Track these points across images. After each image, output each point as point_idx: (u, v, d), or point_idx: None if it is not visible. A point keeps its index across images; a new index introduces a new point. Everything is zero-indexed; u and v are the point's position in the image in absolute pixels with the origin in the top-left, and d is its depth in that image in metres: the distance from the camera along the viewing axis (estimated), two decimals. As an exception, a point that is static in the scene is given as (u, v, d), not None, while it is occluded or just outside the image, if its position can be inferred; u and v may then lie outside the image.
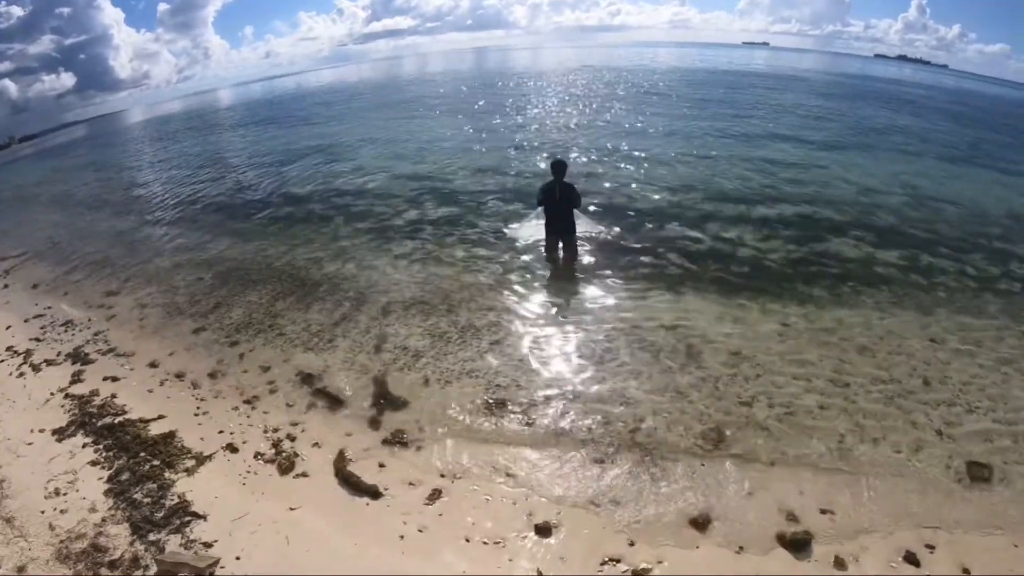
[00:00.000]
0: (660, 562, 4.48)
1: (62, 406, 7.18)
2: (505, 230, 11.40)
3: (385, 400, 6.66)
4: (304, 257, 11.35)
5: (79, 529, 5.05)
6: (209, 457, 5.97)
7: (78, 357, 8.46)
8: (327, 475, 5.62)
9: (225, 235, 13.54)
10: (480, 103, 33.47)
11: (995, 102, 49.65)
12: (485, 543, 4.73)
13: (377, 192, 15.41)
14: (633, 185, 14.17)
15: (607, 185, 14.17)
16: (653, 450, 5.69)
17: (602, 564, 4.49)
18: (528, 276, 9.57)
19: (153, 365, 8.04)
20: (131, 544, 4.86)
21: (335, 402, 6.78)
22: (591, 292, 8.98)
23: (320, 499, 5.32)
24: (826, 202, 12.85)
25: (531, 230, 10.63)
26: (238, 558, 4.66)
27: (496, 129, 23.41)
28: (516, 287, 9.21)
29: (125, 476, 5.70)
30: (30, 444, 6.40)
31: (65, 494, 5.52)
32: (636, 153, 17.66)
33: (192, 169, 23.52)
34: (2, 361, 8.69)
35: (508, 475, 5.50)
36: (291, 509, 5.19)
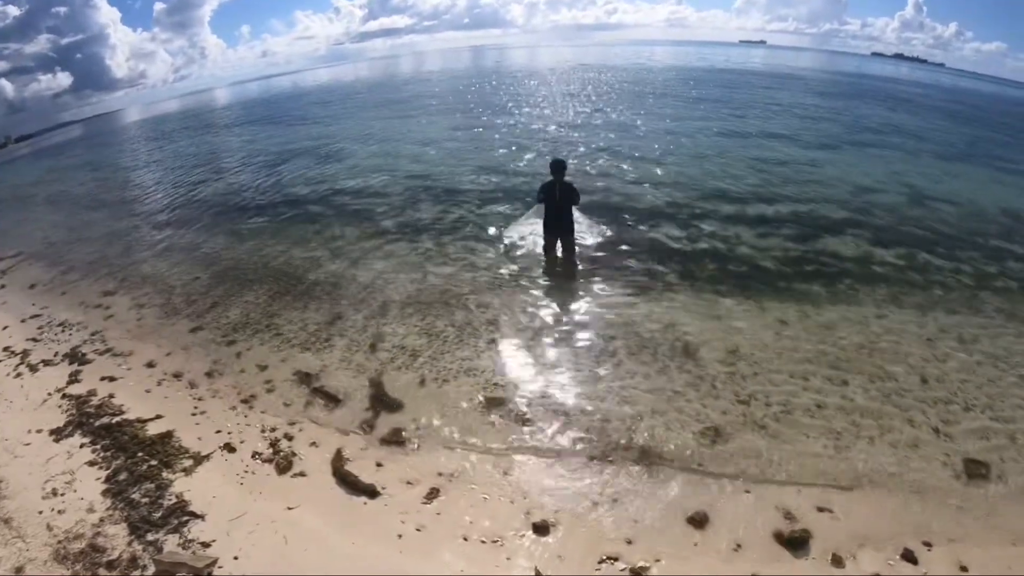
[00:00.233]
0: (658, 560, 4.49)
1: (59, 406, 7.16)
2: (502, 229, 11.40)
3: (382, 399, 6.65)
4: (301, 256, 11.34)
5: (77, 529, 5.04)
6: (207, 457, 5.97)
7: (75, 357, 8.44)
8: (325, 474, 5.61)
9: (222, 235, 13.52)
10: (477, 102, 33.46)
11: (992, 100, 49.81)
12: (483, 542, 4.73)
13: (374, 191, 15.39)
14: (630, 184, 14.19)
15: (604, 184, 14.18)
16: (651, 449, 5.70)
17: (600, 562, 4.50)
18: (526, 275, 9.57)
19: (150, 365, 8.02)
20: (129, 544, 4.85)
21: (333, 401, 6.78)
22: (589, 291, 8.98)
23: (318, 498, 5.31)
24: (823, 200, 12.87)
25: (529, 229, 10.62)
26: (236, 558, 4.65)
27: (493, 128, 23.39)
28: (514, 286, 9.21)
29: (123, 476, 5.69)
30: (28, 444, 6.39)
31: (63, 494, 5.51)
32: (633, 152, 17.68)
33: (188, 169, 23.47)
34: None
35: (506, 474, 5.50)
36: (289, 508, 5.18)
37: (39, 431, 6.62)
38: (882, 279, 9.11)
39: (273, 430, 6.34)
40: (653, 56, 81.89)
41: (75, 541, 4.90)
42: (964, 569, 4.37)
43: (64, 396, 7.40)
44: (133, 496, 5.40)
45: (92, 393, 7.38)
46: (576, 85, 40.90)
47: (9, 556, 4.79)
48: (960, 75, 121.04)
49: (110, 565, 4.65)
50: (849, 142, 19.78)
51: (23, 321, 10.06)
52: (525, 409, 6.34)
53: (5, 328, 9.82)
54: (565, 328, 7.98)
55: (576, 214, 9.86)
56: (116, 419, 6.70)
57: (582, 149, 18.43)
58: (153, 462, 5.87)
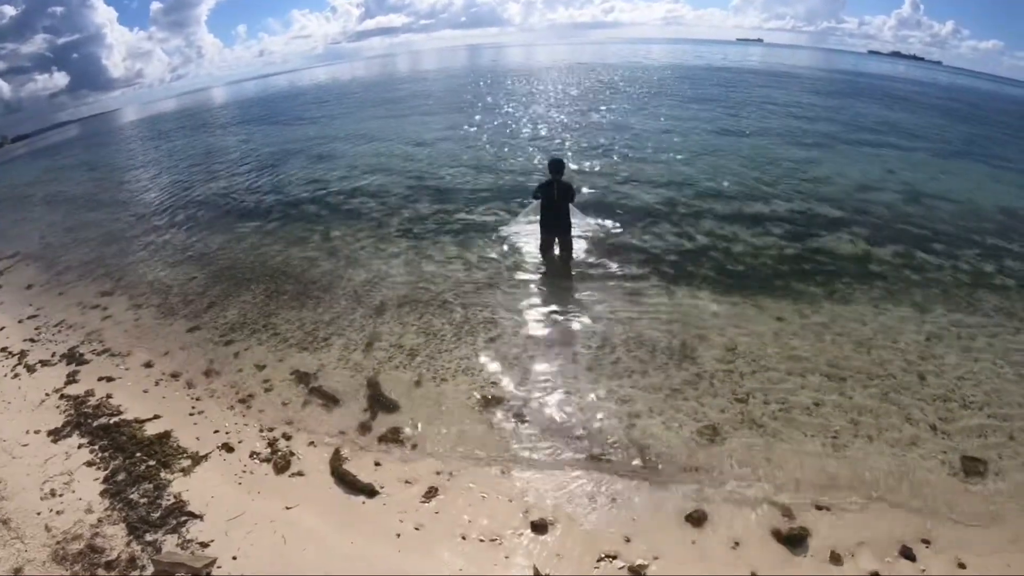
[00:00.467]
0: (656, 558, 4.49)
1: (57, 407, 7.16)
2: (500, 228, 11.41)
3: (380, 399, 6.65)
4: (298, 256, 11.34)
5: (75, 530, 5.03)
6: (205, 457, 5.97)
7: (73, 358, 8.43)
8: (323, 474, 5.62)
9: (219, 234, 13.51)
10: (473, 101, 33.41)
11: (988, 98, 49.78)
12: (481, 540, 4.74)
13: (371, 190, 15.38)
14: (627, 183, 14.19)
15: (601, 183, 14.18)
16: (649, 447, 5.71)
17: (598, 561, 4.50)
18: (523, 274, 9.59)
19: (148, 365, 8.02)
20: (128, 544, 4.85)
21: (330, 401, 6.78)
22: (586, 290, 8.98)
23: (316, 498, 5.31)
24: (820, 199, 12.88)
25: (526, 227, 10.62)
26: (235, 558, 4.65)
27: (489, 127, 23.38)
28: (511, 285, 9.22)
29: (121, 476, 5.69)
30: (25, 445, 6.38)
31: (61, 495, 5.51)
32: (630, 151, 17.69)
33: (185, 168, 23.44)
34: (-4, 362, 8.66)
35: (504, 473, 5.50)
36: (287, 508, 5.18)
37: (37, 432, 6.61)
38: (879, 277, 9.12)
39: (271, 430, 6.34)
40: (650, 54, 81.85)
41: (74, 542, 4.90)
42: (962, 566, 4.38)
43: (62, 397, 7.39)
44: (131, 496, 5.40)
45: (90, 393, 7.38)
46: (573, 84, 40.90)
47: (8, 557, 4.78)
48: (957, 73, 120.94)
49: (109, 566, 4.65)
50: (846, 140, 19.78)
51: (20, 322, 10.05)
52: (523, 408, 6.35)
53: (2, 329, 9.81)
54: (562, 327, 7.99)
55: (573, 212, 9.85)
56: (114, 419, 6.70)
57: (579, 148, 18.42)
58: (151, 462, 5.87)
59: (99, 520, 5.14)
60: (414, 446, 5.95)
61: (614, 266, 9.67)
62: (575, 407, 6.34)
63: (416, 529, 4.88)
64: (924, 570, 4.35)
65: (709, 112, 25.36)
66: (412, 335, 8.01)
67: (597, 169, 15.57)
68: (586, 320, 8.11)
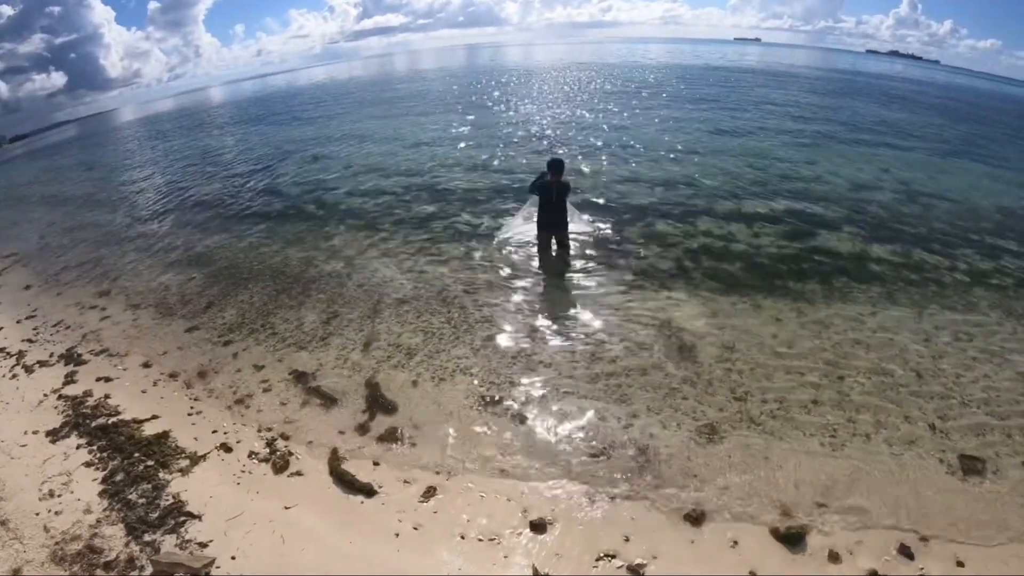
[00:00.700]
0: (655, 557, 4.50)
1: (55, 407, 7.16)
2: (497, 226, 11.40)
3: (378, 398, 6.65)
4: (296, 256, 11.32)
5: (74, 531, 5.03)
6: (203, 457, 5.97)
7: (71, 358, 8.43)
8: (321, 473, 5.62)
9: (216, 234, 13.50)
10: (470, 101, 33.40)
11: (987, 97, 49.89)
12: (480, 540, 4.74)
13: (369, 190, 15.36)
14: (625, 181, 14.19)
15: (599, 182, 14.18)
16: (647, 445, 5.71)
17: (597, 560, 4.51)
18: (521, 272, 9.58)
19: (146, 365, 8.02)
20: (126, 545, 4.85)
21: (329, 400, 6.78)
22: (584, 288, 8.99)
23: (315, 498, 5.32)
24: (818, 198, 12.89)
25: (524, 226, 10.62)
26: (233, 557, 4.65)
27: (487, 126, 23.36)
28: (509, 284, 9.22)
29: (119, 477, 5.69)
30: (24, 446, 6.38)
31: (60, 496, 5.51)
32: (627, 150, 17.71)
33: (183, 168, 23.39)
34: (-6, 362, 8.65)
35: (502, 472, 5.51)
36: (286, 508, 5.18)
37: (35, 432, 6.61)
38: (877, 276, 9.13)
39: (269, 430, 6.34)
40: (648, 54, 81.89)
41: (72, 542, 4.90)
42: (961, 565, 4.39)
43: (60, 397, 7.39)
44: (130, 497, 5.40)
45: (88, 394, 7.38)
46: (570, 83, 40.88)
47: (7, 558, 4.78)
48: (955, 72, 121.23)
49: (107, 566, 4.65)
50: (843, 140, 19.78)
51: (18, 322, 10.04)
52: (521, 407, 6.35)
53: (1, 329, 9.80)
54: (560, 325, 7.99)
55: (569, 210, 9.86)
56: (112, 420, 6.70)
57: (577, 147, 18.41)
58: (150, 462, 5.87)
59: (98, 520, 5.14)
60: (412, 446, 5.95)
61: (612, 265, 9.67)
62: (573, 406, 6.34)
63: (415, 529, 4.88)
64: (923, 569, 4.36)
65: (707, 111, 25.34)
66: (410, 334, 8.01)
67: (595, 168, 15.55)
68: (584, 319, 8.11)
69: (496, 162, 17.07)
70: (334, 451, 5.81)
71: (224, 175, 20.21)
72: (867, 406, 6.15)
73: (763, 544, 4.61)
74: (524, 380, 6.85)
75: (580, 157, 16.92)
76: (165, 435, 6.29)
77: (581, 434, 5.93)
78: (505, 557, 4.57)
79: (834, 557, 4.46)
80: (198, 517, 5.11)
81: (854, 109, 28.37)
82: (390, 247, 11.20)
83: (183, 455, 5.98)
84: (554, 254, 10.01)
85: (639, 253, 10.08)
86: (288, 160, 21.00)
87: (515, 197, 12.95)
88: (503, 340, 7.71)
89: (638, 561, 4.45)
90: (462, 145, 19.92)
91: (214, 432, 6.38)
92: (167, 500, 5.32)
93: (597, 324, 7.95)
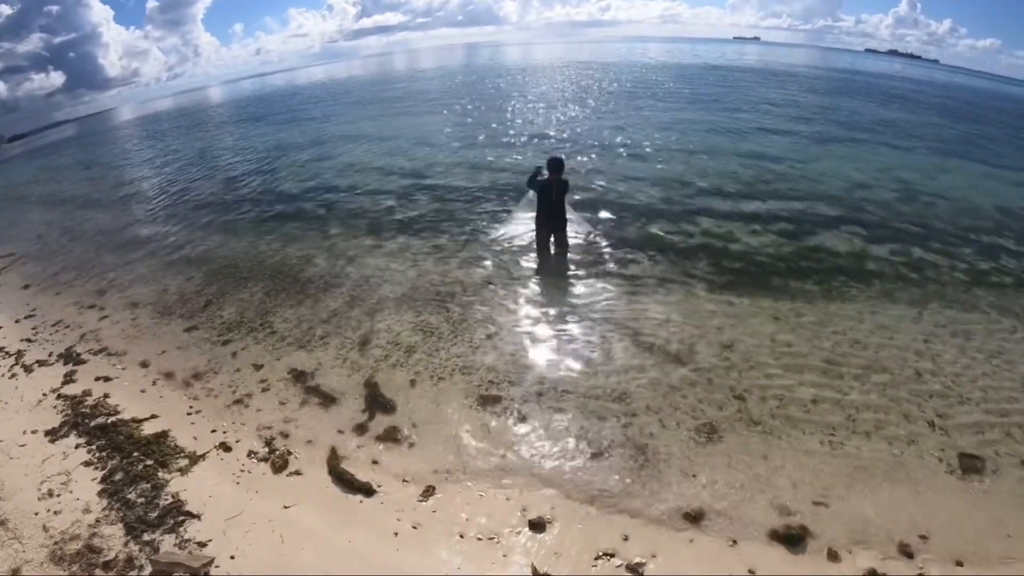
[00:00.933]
0: (654, 556, 4.50)
1: (54, 407, 7.15)
2: (496, 225, 11.41)
3: (377, 397, 6.65)
4: (295, 254, 11.32)
5: (73, 530, 5.03)
6: (202, 456, 5.96)
7: (70, 357, 8.42)
8: (320, 473, 5.62)
9: (215, 233, 13.49)
10: (470, 99, 33.34)
11: (986, 97, 49.84)
12: (479, 539, 4.74)
13: (368, 189, 15.36)
14: (623, 180, 14.17)
15: (598, 180, 14.16)
16: (647, 444, 5.71)
17: (596, 559, 4.51)
18: (520, 271, 9.58)
19: (145, 364, 8.01)
20: (125, 545, 4.85)
21: (328, 399, 6.78)
22: (583, 287, 8.98)
23: (314, 497, 5.32)
24: (817, 197, 12.88)
25: (522, 225, 10.63)
26: (233, 557, 4.65)
27: (486, 125, 23.32)
28: (508, 282, 9.22)
29: (119, 476, 5.68)
30: (23, 446, 6.37)
31: (59, 495, 5.50)
32: (626, 149, 17.68)
33: (181, 167, 23.37)
34: (-7, 362, 8.64)
35: (501, 471, 5.51)
36: (285, 507, 5.18)
37: (34, 432, 6.60)
38: (876, 275, 9.13)
39: (268, 429, 6.34)
40: (647, 53, 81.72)
41: (71, 542, 4.90)
42: (960, 563, 4.39)
43: (59, 397, 7.38)
44: (129, 496, 5.39)
45: (87, 393, 7.37)
46: (569, 82, 40.83)
47: (6, 558, 4.78)
48: (954, 72, 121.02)
49: (106, 566, 4.65)
50: (842, 139, 19.78)
51: (17, 321, 10.03)
52: (520, 406, 6.35)
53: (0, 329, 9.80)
54: (559, 324, 7.98)
55: (568, 209, 9.86)
56: (111, 419, 6.69)
57: (576, 146, 18.37)
58: (149, 462, 5.86)
59: (97, 520, 5.14)
60: (411, 445, 5.96)
61: (610, 264, 9.68)
62: (573, 405, 6.34)
63: (414, 528, 4.88)
64: (922, 567, 4.37)
65: (706, 111, 25.33)
66: (409, 333, 8.01)
67: (594, 167, 15.54)
68: (583, 318, 8.10)
69: (495, 161, 17.05)
70: (333, 450, 5.80)
71: (223, 174, 20.20)
72: (866, 405, 6.15)
73: (762, 543, 4.62)
74: (523, 379, 6.85)
75: (579, 156, 16.88)
76: (164, 434, 6.29)
77: (580, 433, 5.93)
78: (504, 556, 4.57)
79: (833, 556, 4.47)
80: (197, 516, 5.11)
81: (853, 108, 28.35)
82: (389, 246, 11.19)
83: (182, 454, 5.98)
84: (553, 253, 10.00)
85: (638, 252, 10.07)
86: (287, 159, 20.97)
87: (514, 196, 12.94)
88: (502, 339, 7.71)
89: (637, 560, 4.45)
90: (461, 144, 19.91)
91: (213, 431, 6.38)
92: (166, 499, 5.32)
93: (595, 322, 7.95)
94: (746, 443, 5.70)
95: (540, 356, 7.30)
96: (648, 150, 17.47)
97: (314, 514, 5.09)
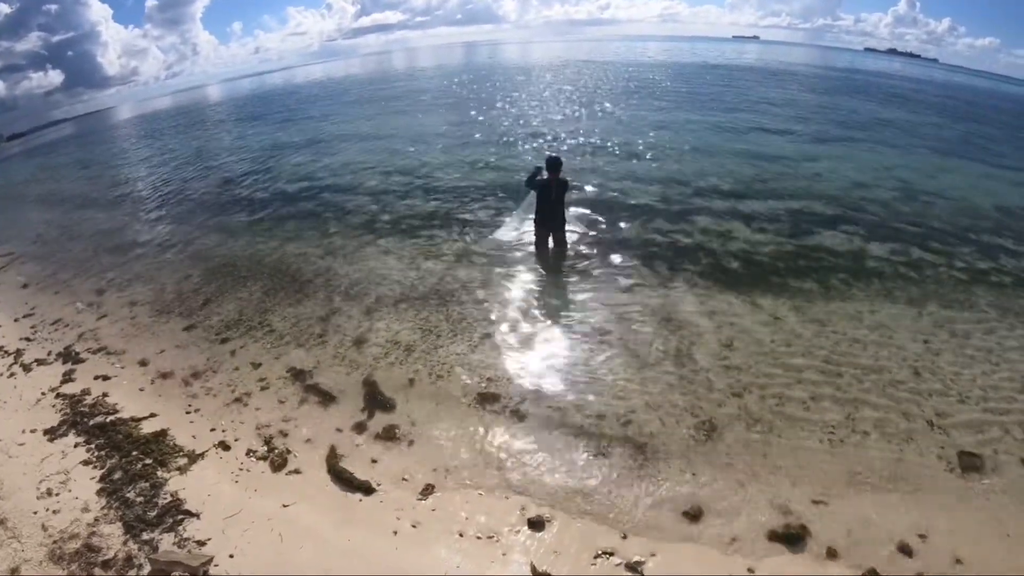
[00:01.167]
0: (653, 555, 4.50)
1: (53, 406, 7.15)
2: (495, 224, 11.40)
3: (376, 396, 6.64)
4: (293, 253, 11.31)
5: (72, 529, 5.03)
6: (201, 455, 5.96)
7: (69, 356, 8.41)
8: (320, 471, 5.61)
9: (214, 232, 13.48)
10: (468, 98, 33.33)
11: (985, 96, 49.83)
12: (478, 537, 4.74)
13: (367, 188, 15.34)
14: (622, 179, 14.17)
15: (596, 179, 14.16)
16: (645, 443, 5.71)
17: (595, 557, 4.51)
18: (519, 270, 9.58)
19: (144, 363, 8.00)
20: (124, 543, 4.84)
21: (327, 398, 6.77)
22: (582, 286, 8.99)
23: (313, 495, 5.31)
24: (816, 196, 12.88)
25: (521, 224, 10.62)
26: (232, 556, 4.65)
27: (485, 124, 23.32)
28: (507, 281, 9.22)
29: (117, 475, 5.68)
30: (22, 444, 6.37)
31: (58, 494, 5.50)
32: (625, 147, 17.67)
33: (180, 166, 23.35)
34: (-9, 361, 8.63)
35: (501, 469, 5.50)
36: (284, 506, 5.18)
37: (33, 431, 6.60)
38: (875, 274, 9.13)
39: (267, 427, 6.34)
40: (646, 52, 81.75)
41: (70, 541, 4.89)
42: (959, 561, 4.39)
43: (58, 395, 7.38)
44: (128, 495, 5.39)
45: (86, 392, 7.37)
46: (568, 81, 40.79)
47: (5, 557, 4.77)
48: (953, 70, 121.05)
49: (106, 565, 4.65)
50: (842, 138, 19.79)
51: (16, 320, 10.03)
52: (519, 404, 6.35)
53: (-2, 327, 9.79)
54: (558, 323, 7.99)
55: (567, 210, 9.87)
56: (110, 418, 6.69)
57: (575, 145, 18.40)
58: (148, 461, 5.86)
59: (96, 519, 5.13)
60: (411, 443, 5.95)
61: (609, 262, 9.68)
62: (572, 403, 6.34)
63: (413, 526, 4.88)
64: (921, 565, 4.36)
65: (705, 109, 25.33)
66: (408, 331, 8.01)
67: (593, 166, 15.55)
68: (582, 316, 8.10)
69: (494, 160, 17.05)
70: (332, 449, 5.80)
71: (221, 173, 20.18)
72: (866, 403, 6.15)
73: (761, 541, 4.61)
74: (522, 377, 6.85)
75: (578, 155, 16.90)
76: (163, 433, 6.29)
77: (579, 431, 5.93)
78: (503, 555, 4.57)
79: (832, 554, 4.47)
80: (196, 515, 5.11)
81: (852, 107, 28.35)
82: (388, 244, 11.19)
83: (181, 453, 5.98)
84: (552, 251, 10.00)
85: (636, 251, 10.07)
86: (286, 158, 20.96)
87: (513, 195, 12.94)
88: (501, 337, 7.71)
89: (636, 558, 4.45)
90: (460, 143, 19.90)
91: (212, 430, 6.37)
92: (165, 498, 5.32)
93: (595, 321, 7.95)
94: (745, 441, 5.70)
95: (539, 355, 7.30)
96: (647, 149, 17.45)
97: (313, 513, 5.09)
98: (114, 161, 30.13)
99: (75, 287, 11.33)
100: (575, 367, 7.00)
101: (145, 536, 4.90)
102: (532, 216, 9.94)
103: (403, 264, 10.19)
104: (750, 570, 4.36)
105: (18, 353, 8.73)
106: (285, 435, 6.19)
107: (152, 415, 6.68)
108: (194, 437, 6.25)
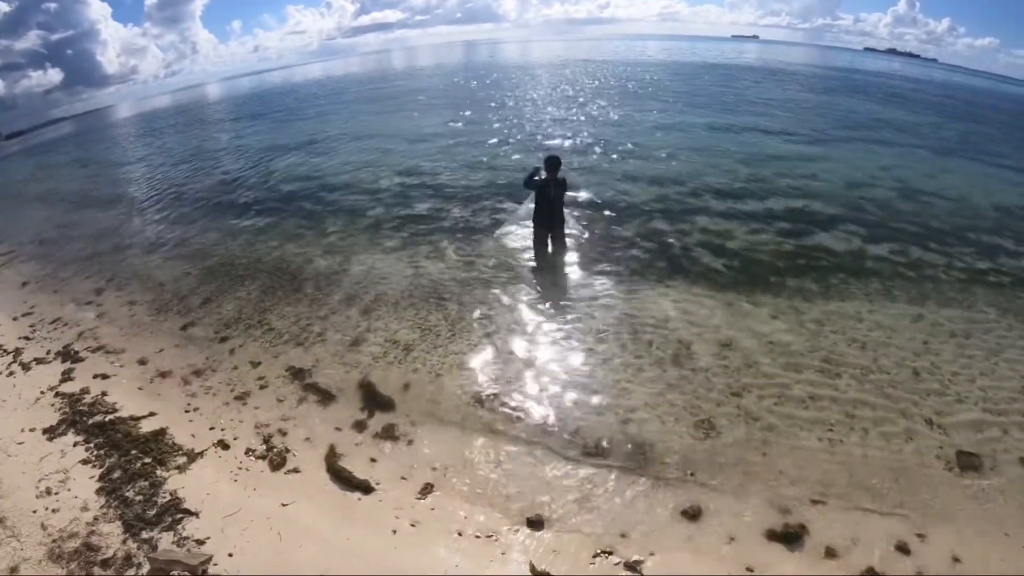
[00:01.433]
0: (652, 554, 4.50)
1: (52, 404, 7.14)
2: (494, 223, 11.40)
3: (375, 395, 6.64)
4: (293, 252, 11.30)
5: (71, 528, 5.03)
6: (200, 454, 5.96)
7: (68, 355, 8.41)
8: (319, 470, 5.61)
9: (213, 231, 13.47)
10: (467, 97, 33.33)
11: (984, 95, 49.86)
12: (478, 537, 4.74)
13: (366, 187, 15.34)
14: (621, 179, 14.17)
15: (595, 179, 14.16)
16: (644, 442, 5.71)
17: (594, 557, 4.51)
18: (518, 270, 9.58)
19: (143, 362, 8.00)
20: (124, 542, 4.84)
21: (326, 397, 6.77)
22: (581, 285, 8.99)
23: (312, 494, 5.31)
24: (815, 196, 12.89)
25: (520, 223, 10.63)
26: (231, 555, 4.65)
27: (484, 123, 23.31)
28: (506, 281, 9.21)
29: (117, 474, 5.68)
30: (21, 443, 6.36)
31: (57, 493, 5.50)
32: (624, 147, 17.67)
33: (179, 165, 23.33)
34: (-9, 360, 8.63)
35: (500, 468, 5.51)
36: (283, 505, 5.18)
37: (32, 430, 6.60)
38: (874, 274, 9.13)
39: (266, 426, 6.34)
40: (645, 51, 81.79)
41: (69, 540, 4.89)
42: (957, 560, 4.40)
43: (57, 394, 7.37)
44: (127, 494, 5.39)
45: (85, 391, 7.36)
46: (567, 80, 40.79)
47: (4, 556, 4.77)
48: (953, 70, 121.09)
49: (105, 564, 4.65)
50: (841, 137, 19.80)
51: (15, 319, 10.02)
52: (518, 404, 6.35)
53: (-3, 326, 9.78)
54: (557, 323, 7.98)
55: (566, 209, 9.86)
56: (109, 417, 6.69)
57: (574, 145, 18.40)
58: (147, 460, 5.86)
59: (95, 518, 5.13)
60: (410, 442, 5.95)
61: (608, 262, 9.68)
62: (571, 403, 6.34)
63: (412, 525, 4.88)
64: (920, 565, 4.37)
65: (704, 109, 25.33)
66: (407, 331, 8.00)
67: (592, 166, 15.55)
68: (580, 316, 8.10)
69: (493, 159, 17.05)
70: (331, 448, 5.80)
71: (220, 172, 20.19)
72: (864, 403, 6.16)
73: (760, 540, 4.62)
74: (521, 377, 6.84)
75: (577, 155, 16.89)
76: (162, 432, 6.29)
77: (578, 431, 5.92)
78: (502, 554, 4.57)
79: (831, 553, 4.47)
80: (195, 514, 5.11)
81: (851, 107, 28.36)
82: (387, 244, 11.18)
83: (180, 452, 5.98)
84: (550, 251, 10.00)
85: (635, 250, 10.08)
86: (285, 157, 20.95)
87: (511, 194, 12.93)
88: (500, 337, 7.70)
89: (635, 558, 4.46)
90: (459, 142, 19.89)
91: (211, 429, 6.37)
92: (164, 497, 5.32)
93: (594, 321, 7.94)
94: (744, 440, 5.70)
95: (538, 354, 7.29)
96: (646, 148, 17.46)
97: (312, 512, 5.09)
98: (113, 160, 30.15)
99: (74, 286, 11.32)
100: (574, 367, 7.00)
101: (144, 535, 4.90)
102: (531, 216, 9.92)
103: (402, 263, 10.18)
104: (749, 569, 4.36)
105: (17, 352, 8.73)
106: (284, 434, 6.19)
107: (151, 414, 6.68)
108: (193, 436, 6.25)
